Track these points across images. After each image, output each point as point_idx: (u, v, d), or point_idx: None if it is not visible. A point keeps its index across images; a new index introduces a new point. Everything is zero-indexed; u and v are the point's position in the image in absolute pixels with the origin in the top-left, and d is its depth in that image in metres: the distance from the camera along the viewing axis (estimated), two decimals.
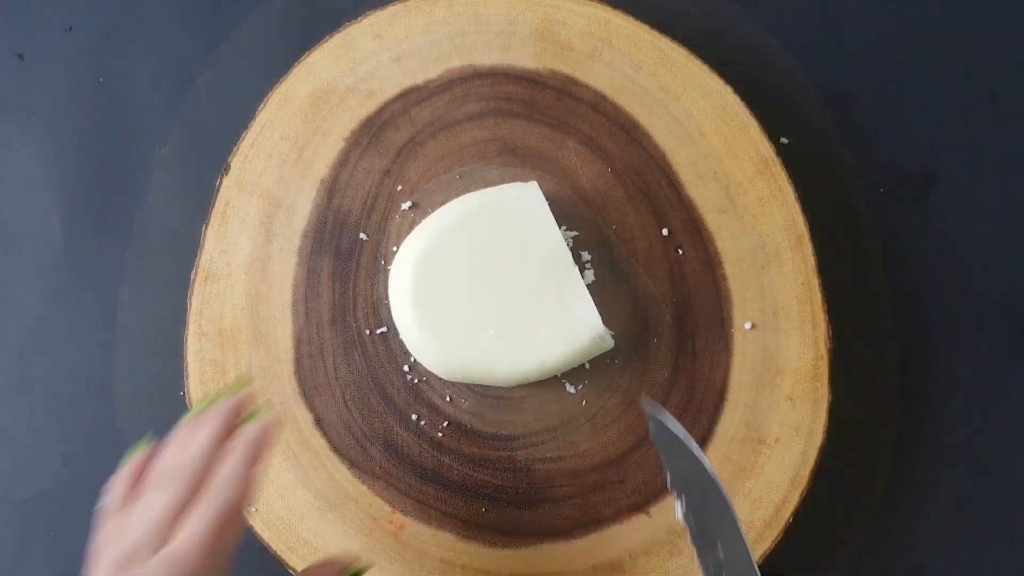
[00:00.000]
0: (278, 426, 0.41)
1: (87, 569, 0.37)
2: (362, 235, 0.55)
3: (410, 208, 0.55)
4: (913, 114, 0.61)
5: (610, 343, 0.52)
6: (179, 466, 0.38)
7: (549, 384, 0.53)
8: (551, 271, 0.52)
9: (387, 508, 0.52)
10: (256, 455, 0.39)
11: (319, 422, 0.53)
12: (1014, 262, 0.60)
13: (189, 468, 0.38)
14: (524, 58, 0.57)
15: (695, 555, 0.41)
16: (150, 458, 0.40)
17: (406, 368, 0.53)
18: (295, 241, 0.55)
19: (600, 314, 0.51)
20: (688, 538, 0.41)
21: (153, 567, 0.35)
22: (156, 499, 0.37)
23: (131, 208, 0.58)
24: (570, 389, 0.53)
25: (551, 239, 0.52)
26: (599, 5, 0.57)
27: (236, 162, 0.55)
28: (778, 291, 0.54)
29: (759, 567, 0.51)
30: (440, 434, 0.53)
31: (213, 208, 0.55)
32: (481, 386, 0.53)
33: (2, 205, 0.58)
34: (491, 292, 0.52)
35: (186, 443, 0.39)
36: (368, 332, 0.54)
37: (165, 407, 0.56)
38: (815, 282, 0.54)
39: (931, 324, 0.59)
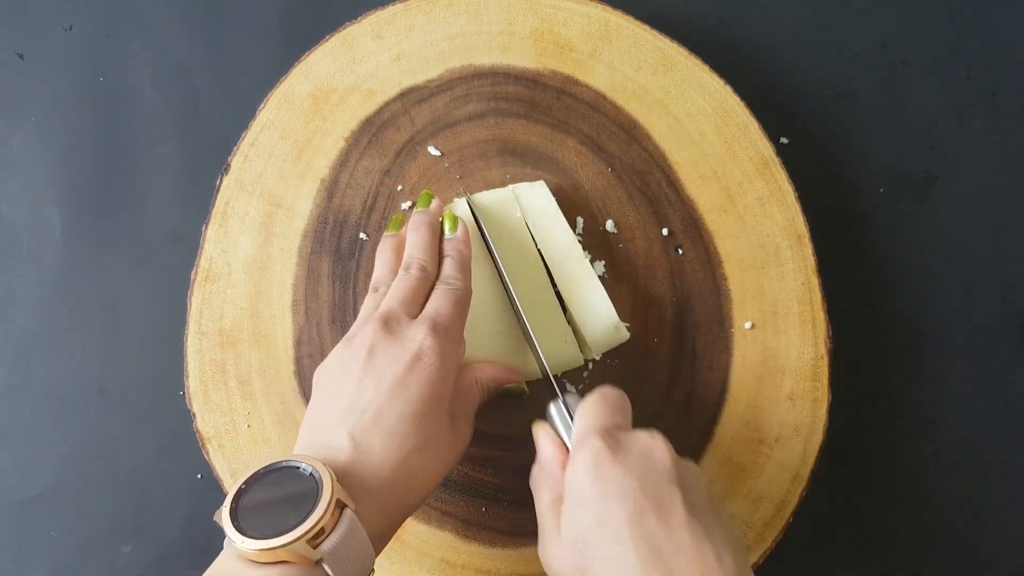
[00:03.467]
0: (468, 234, 0.51)
1: (354, 327, 0.47)
2: (362, 235, 0.55)
3: (410, 208, 0.55)
4: (913, 114, 0.61)
5: (625, 334, 0.52)
6: (412, 259, 0.48)
7: (549, 384, 0.53)
8: (562, 266, 0.52)
9: None
10: (464, 257, 0.49)
11: None
12: (1014, 262, 0.60)
13: (420, 260, 0.48)
14: (524, 58, 0.57)
15: None
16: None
17: None
18: (295, 241, 0.55)
19: None
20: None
21: (415, 324, 0.44)
22: (404, 281, 0.47)
23: (131, 208, 0.58)
24: (570, 389, 0.53)
25: (561, 234, 0.53)
26: (599, 5, 0.57)
27: (236, 162, 0.55)
28: (778, 291, 0.54)
29: (759, 567, 0.51)
30: None
31: (213, 208, 0.55)
32: None
33: (2, 205, 0.58)
34: (501, 290, 0.52)
35: (400, 245, 0.51)
36: None
37: (165, 407, 0.56)
38: (815, 282, 0.54)
39: (931, 324, 0.59)
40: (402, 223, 0.51)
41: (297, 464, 0.38)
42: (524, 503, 0.52)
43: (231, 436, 0.53)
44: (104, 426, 0.56)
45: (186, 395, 0.53)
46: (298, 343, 0.54)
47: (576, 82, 0.57)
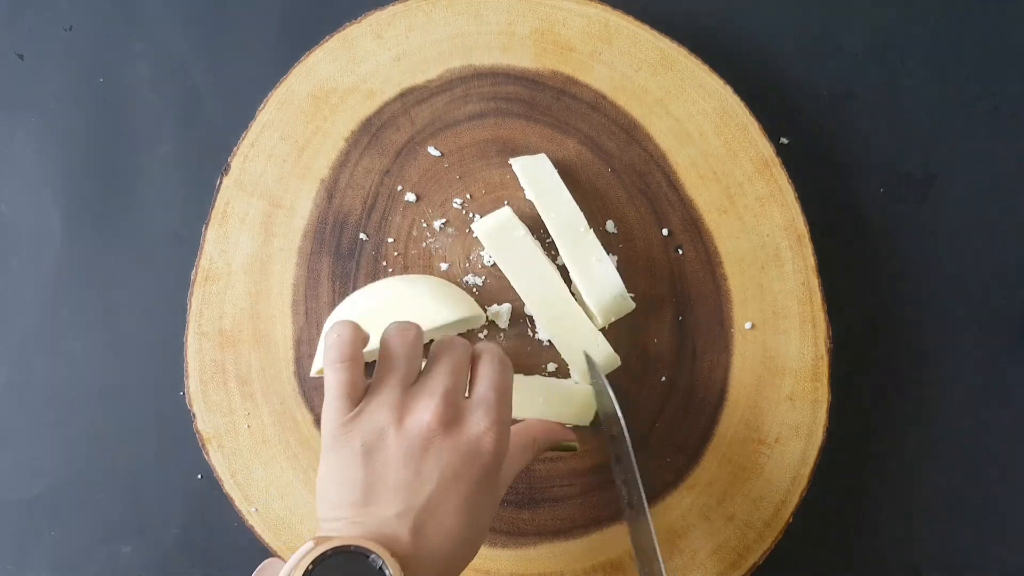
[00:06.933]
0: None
1: (390, 388, 0.42)
2: (362, 235, 0.55)
3: (410, 207, 0.55)
4: (913, 114, 0.61)
5: (631, 304, 0.53)
6: (453, 344, 0.44)
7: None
8: (567, 237, 0.53)
9: None
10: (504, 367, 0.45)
11: (319, 422, 0.53)
12: (1014, 262, 0.60)
13: (462, 345, 0.44)
14: (524, 58, 0.57)
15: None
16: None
17: None
18: (295, 241, 0.55)
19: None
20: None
21: (477, 413, 0.41)
22: (459, 353, 0.43)
23: (131, 208, 0.58)
24: None
25: (565, 204, 0.53)
26: (599, 5, 0.57)
27: (236, 162, 0.55)
28: (778, 291, 0.54)
29: (759, 567, 0.52)
30: None
31: (213, 208, 0.55)
32: None
33: (2, 205, 0.58)
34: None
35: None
36: None
37: (165, 407, 0.56)
38: (815, 282, 0.54)
39: (931, 324, 0.59)
40: None
41: (367, 553, 0.37)
42: (524, 503, 0.52)
43: (231, 436, 0.53)
44: (104, 426, 0.56)
45: (186, 395, 0.53)
46: (298, 343, 0.54)
47: (576, 82, 0.57)
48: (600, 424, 0.52)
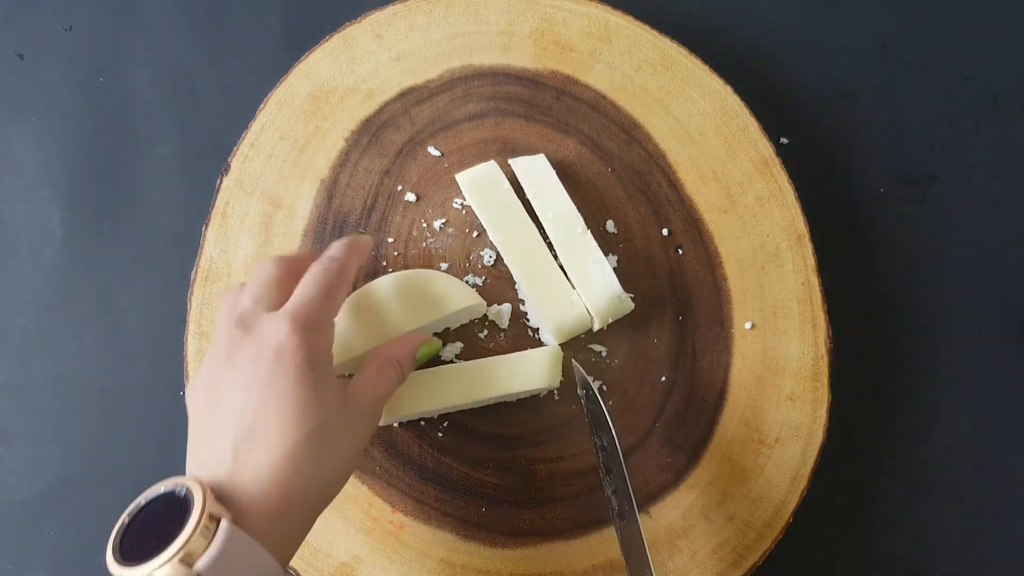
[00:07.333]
0: (369, 240, 0.48)
1: (214, 334, 0.42)
2: None
3: (410, 207, 0.55)
4: (913, 114, 0.61)
5: (629, 304, 0.53)
6: (287, 255, 0.45)
7: None
8: (564, 238, 0.53)
9: (387, 508, 0.52)
10: (358, 244, 0.46)
11: None
12: (1014, 262, 0.60)
13: (293, 255, 0.45)
14: (524, 58, 0.57)
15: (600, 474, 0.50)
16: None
17: None
18: (295, 241, 0.55)
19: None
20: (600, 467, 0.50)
21: (272, 318, 0.41)
22: (267, 270, 0.43)
23: (131, 208, 0.58)
24: None
25: (563, 206, 0.53)
26: (599, 5, 0.57)
27: (236, 162, 0.55)
28: (778, 291, 0.54)
29: (759, 567, 0.52)
30: (440, 434, 0.53)
31: (213, 208, 0.55)
32: None
33: (2, 205, 0.58)
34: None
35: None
36: None
37: (165, 407, 0.56)
38: (815, 282, 0.54)
39: (931, 324, 0.59)
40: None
41: (172, 489, 0.37)
42: (524, 503, 0.52)
43: None
44: (104, 426, 0.56)
45: (186, 395, 0.53)
46: None
47: (576, 82, 0.57)
48: (575, 386, 0.52)
